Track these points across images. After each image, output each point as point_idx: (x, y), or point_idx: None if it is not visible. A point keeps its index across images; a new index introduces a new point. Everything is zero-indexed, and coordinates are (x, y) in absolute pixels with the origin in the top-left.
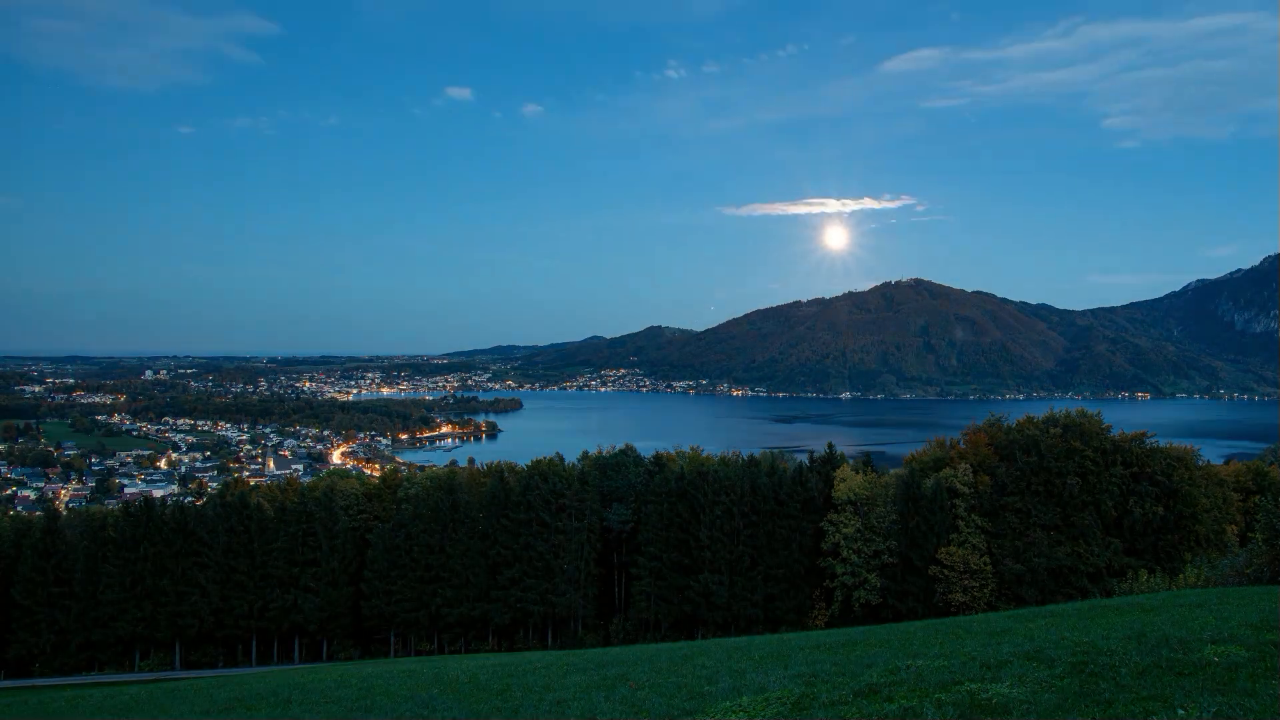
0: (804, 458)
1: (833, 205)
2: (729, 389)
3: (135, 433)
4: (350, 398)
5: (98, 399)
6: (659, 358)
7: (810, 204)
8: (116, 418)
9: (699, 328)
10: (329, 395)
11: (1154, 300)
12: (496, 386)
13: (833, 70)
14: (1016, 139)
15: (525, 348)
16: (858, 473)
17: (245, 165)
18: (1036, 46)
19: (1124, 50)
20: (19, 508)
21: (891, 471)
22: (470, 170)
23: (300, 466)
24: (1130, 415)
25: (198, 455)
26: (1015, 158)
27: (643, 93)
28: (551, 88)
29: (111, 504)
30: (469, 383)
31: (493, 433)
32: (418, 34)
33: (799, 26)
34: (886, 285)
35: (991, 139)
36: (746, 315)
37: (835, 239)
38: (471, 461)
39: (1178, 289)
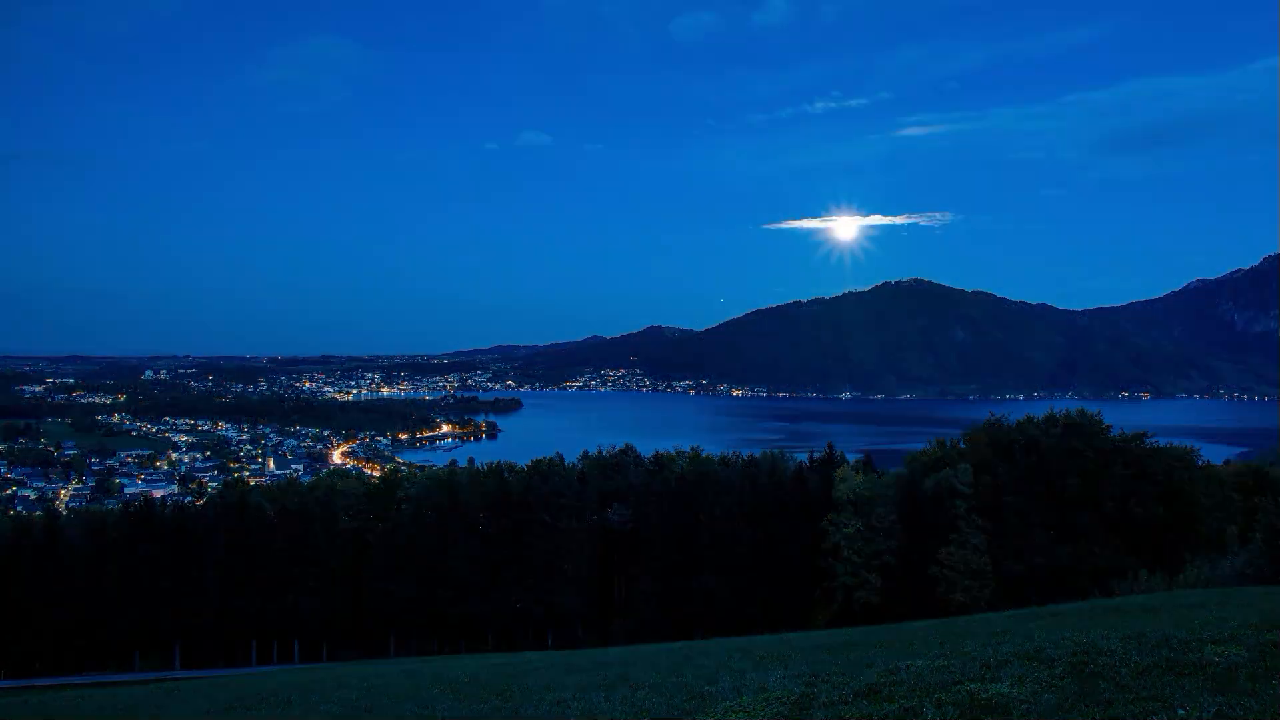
0: (804, 458)
1: (844, 220)
2: (729, 389)
3: (135, 433)
4: (350, 398)
5: (98, 399)
6: (659, 358)
7: (825, 220)
8: (116, 418)
9: (699, 328)
10: (329, 395)
11: (1154, 300)
12: (496, 386)
13: (852, 128)
14: (1004, 173)
15: (525, 348)
16: (858, 473)
17: (269, 176)
18: (1015, 110)
19: (1083, 106)
20: (19, 508)
21: (891, 471)
22: (526, 193)
23: (300, 466)
24: (1130, 415)
25: (198, 455)
26: (1005, 185)
27: (693, 139)
28: (612, 131)
29: (111, 504)
30: (469, 383)
31: (493, 433)
32: (501, 89)
33: (823, 89)
34: (886, 285)
35: (982, 173)
36: (747, 315)
37: (837, 241)
38: (471, 461)
39: (1178, 288)
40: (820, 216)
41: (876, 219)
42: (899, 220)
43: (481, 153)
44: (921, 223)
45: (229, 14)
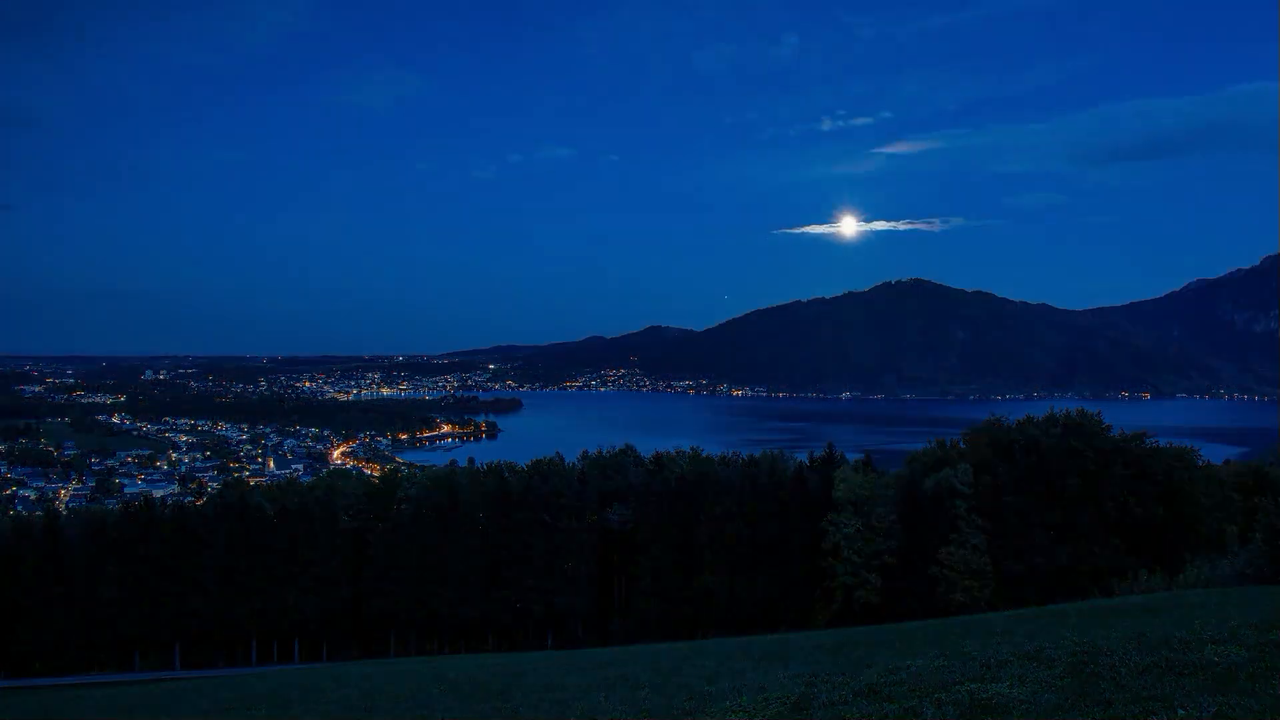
0: (804, 458)
1: (847, 226)
2: (729, 389)
3: (135, 433)
4: (350, 398)
5: (98, 399)
6: (659, 358)
7: (828, 227)
8: (116, 418)
9: (699, 328)
10: (329, 395)
11: (1154, 300)
12: (496, 386)
13: (856, 144)
14: (1001, 182)
15: (525, 348)
16: (858, 473)
17: (280, 183)
18: (1009, 127)
19: (1073, 123)
20: (19, 508)
21: (891, 471)
22: (541, 201)
23: (300, 466)
24: (1130, 415)
25: (198, 455)
26: (1004, 192)
27: (705, 154)
28: (631, 145)
29: (111, 504)
30: (469, 383)
31: (493, 433)
32: (530, 111)
33: (830, 110)
34: (887, 285)
35: (980, 182)
36: (746, 315)
37: (839, 245)
38: (471, 461)
39: (1178, 288)
40: (823, 223)
41: (879, 224)
42: (900, 226)
43: (503, 163)
44: (922, 228)
45: (293, 47)
